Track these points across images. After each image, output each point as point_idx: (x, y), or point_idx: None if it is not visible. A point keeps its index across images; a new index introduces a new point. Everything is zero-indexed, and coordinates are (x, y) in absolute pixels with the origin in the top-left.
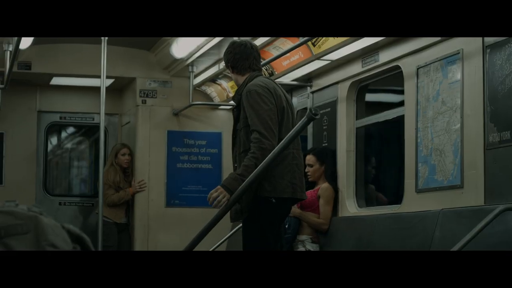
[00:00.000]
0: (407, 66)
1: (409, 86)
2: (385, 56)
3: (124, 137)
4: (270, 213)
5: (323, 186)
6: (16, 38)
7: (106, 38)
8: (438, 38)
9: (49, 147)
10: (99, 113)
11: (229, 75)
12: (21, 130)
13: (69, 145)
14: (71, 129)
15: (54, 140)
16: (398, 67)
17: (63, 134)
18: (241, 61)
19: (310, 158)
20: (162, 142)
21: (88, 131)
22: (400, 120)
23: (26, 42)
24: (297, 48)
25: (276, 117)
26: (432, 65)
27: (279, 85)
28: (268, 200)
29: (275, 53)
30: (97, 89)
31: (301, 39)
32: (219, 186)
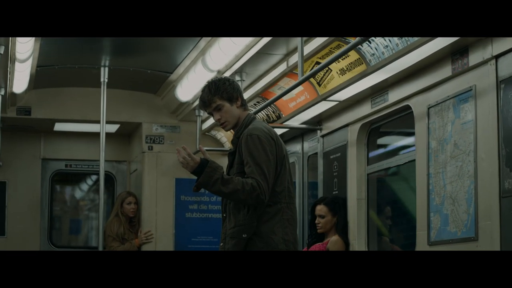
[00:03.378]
0: (418, 106)
1: (420, 127)
2: (394, 95)
3: (133, 185)
4: None
5: (333, 239)
6: (8, 81)
7: (106, 80)
8: (449, 74)
9: (54, 196)
10: (107, 161)
11: (215, 117)
12: (25, 179)
13: (75, 194)
14: (77, 177)
15: (59, 189)
16: (408, 107)
17: (69, 183)
18: (236, 92)
19: (321, 209)
20: (170, 191)
21: (96, 179)
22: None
23: (21, 86)
24: (302, 89)
25: (274, 170)
26: (444, 104)
27: None
28: None
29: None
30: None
31: (300, 77)
32: (198, 162)
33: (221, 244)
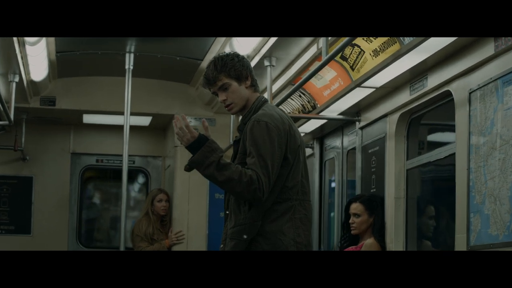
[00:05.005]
0: (459, 91)
1: (460, 116)
2: (434, 79)
3: (167, 182)
4: None
5: (368, 243)
6: (22, 67)
7: (132, 68)
8: (492, 53)
9: (84, 193)
10: (140, 156)
11: (220, 98)
12: (53, 174)
13: (107, 191)
14: (109, 173)
15: (89, 185)
16: (449, 93)
17: (101, 179)
18: (245, 70)
19: (357, 207)
20: (204, 188)
21: (129, 175)
22: None
23: (39, 73)
24: (336, 75)
25: (279, 165)
26: (486, 88)
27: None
28: None
29: (314, 81)
30: (137, 128)
31: (325, 56)
32: (195, 136)
33: (221, 246)
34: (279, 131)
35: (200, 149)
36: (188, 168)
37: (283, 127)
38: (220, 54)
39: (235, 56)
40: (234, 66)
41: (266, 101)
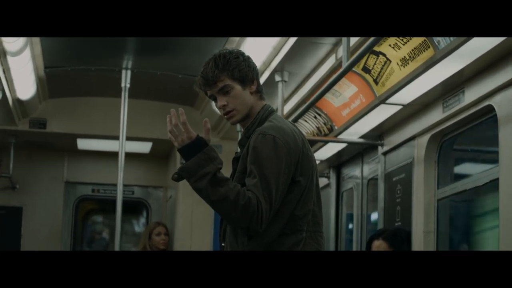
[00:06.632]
0: (503, 105)
1: (505, 134)
2: (472, 93)
3: (168, 214)
4: None
5: None
6: (5, 82)
7: (128, 86)
8: None
9: (78, 225)
10: (140, 186)
11: (220, 103)
12: (45, 205)
13: (103, 224)
14: (109, 205)
15: (84, 217)
16: (491, 108)
17: (96, 210)
18: (251, 72)
19: (380, 245)
20: (208, 221)
21: (128, 207)
22: None
23: (26, 91)
24: (357, 91)
25: (285, 190)
26: None
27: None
28: None
29: (331, 99)
30: (137, 156)
31: (346, 63)
32: (192, 138)
33: None
34: (289, 148)
35: (196, 155)
36: (177, 177)
37: (294, 143)
38: (222, 51)
39: (240, 55)
40: (238, 65)
41: (273, 111)
